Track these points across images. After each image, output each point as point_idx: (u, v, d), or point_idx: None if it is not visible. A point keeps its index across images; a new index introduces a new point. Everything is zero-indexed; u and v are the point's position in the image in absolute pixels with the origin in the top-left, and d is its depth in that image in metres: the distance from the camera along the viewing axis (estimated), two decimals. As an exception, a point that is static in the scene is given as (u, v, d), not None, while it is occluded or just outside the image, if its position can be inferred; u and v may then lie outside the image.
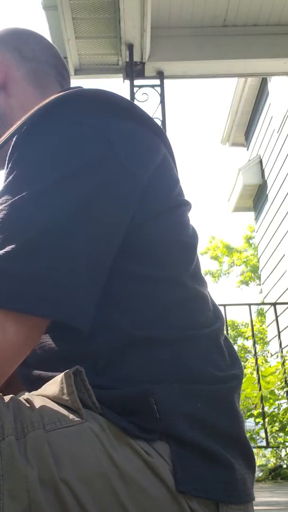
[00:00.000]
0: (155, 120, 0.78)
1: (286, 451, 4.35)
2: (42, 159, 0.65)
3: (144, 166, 0.70)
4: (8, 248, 0.58)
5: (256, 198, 7.87)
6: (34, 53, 0.91)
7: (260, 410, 4.07)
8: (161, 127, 0.77)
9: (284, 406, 4.28)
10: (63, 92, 0.71)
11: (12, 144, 0.67)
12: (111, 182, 0.66)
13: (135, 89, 3.67)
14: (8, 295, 0.57)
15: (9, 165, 0.66)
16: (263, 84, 7.16)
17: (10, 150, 0.67)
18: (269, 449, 4.54)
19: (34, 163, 0.65)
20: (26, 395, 0.65)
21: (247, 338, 13.89)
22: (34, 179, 0.63)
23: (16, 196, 0.62)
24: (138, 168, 0.69)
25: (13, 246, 0.58)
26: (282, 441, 4.25)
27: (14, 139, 0.67)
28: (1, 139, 0.75)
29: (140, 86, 3.71)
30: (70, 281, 0.60)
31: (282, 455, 4.39)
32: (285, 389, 4.20)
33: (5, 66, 0.89)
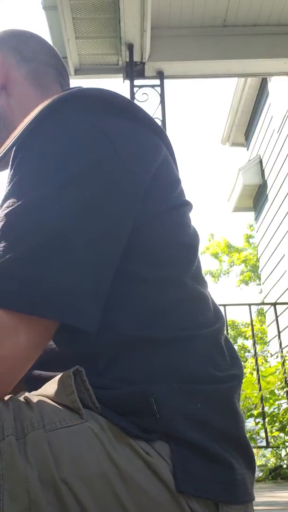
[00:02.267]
0: (155, 120, 0.78)
1: (286, 451, 4.35)
2: (45, 161, 0.65)
3: (145, 167, 0.70)
4: (16, 253, 0.58)
5: (256, 198, 7.87)
6: (34, 53, 0.92)
7: (260, 410, 4.07)
8: (161, 127, 0.77)
9: (284, 406, 4.28)
10: (64, 92, 0.71)
11: (16, 146, 0.67)
12: (114, 183, 0.66)
13: (135, 89, 3.67)
14: (19, 298, 0.57)
15: (13, 168, 0.66)
16: (263, 84, 7.16)
17: (13, 153, 0.67)
18: (269, 449, 4.54)
19: (37, 166, 0.65)
20: (26, 395, 0.65)
21: (247, 338, 13.88)
22: (38, 182, 0.63)
23: (21, 199, 0.62)
24: (140, 168, 0.69)
25: (20, 250, 0.58)
26: (282, 442, 4.25)
27: (17, 142, 0.67)
28: (6, 142, 0.75)
29: (140, 86, 3.71)
30: (77, 283, 0.60)
31: (282, 455, 4.39)
32: (285, 389, 4.20)
33: (6, 66, 0.89)
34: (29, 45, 0.92)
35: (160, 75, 3.75)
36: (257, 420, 4.20)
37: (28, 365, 0.61)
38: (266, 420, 4.06)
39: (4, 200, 0.64)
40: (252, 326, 4.43)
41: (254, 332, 4.74)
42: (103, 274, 0.63)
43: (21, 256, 0.58)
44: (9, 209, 0.62)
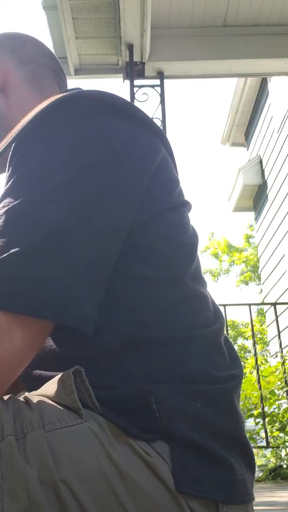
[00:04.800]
0: (155, 120, 0.78)
1: (286, 451, 4.35)
2: (43, 162, 0.65)
3: (144, 167, 0.70)
4: (11, 252, 0.58)
5: (256, 198, 7.88)
6: (32, 55, 0.92)
7: (260, 410, 4.07)
8: (161, 127, 0.77)
9: (284, 406, 4.28)
10: (62, 94, 0.71)
11: (13, 147, 0.67)
12: (112, 183, 0.66)
13: (135, 89, 3.67)
14: (14, 299, 0.57)
15: (10, 168, 0.66)
16: (263, 84, 7.16)
17: (10, 154, 0.67)
18: (269, 449, 4.54)
19: (35, 166, 0.65)
20: (26, 395, 0.65)
21: (247, 338, 13.88)
22: (35, 182, 0.63)
23: (18, 199, 0.62)
24: (139, 168, 0.69)
25: (16, 249, 0.58)
26: (282, 442, 4.25)
27: (14, 142, 0.67)
28: (3, 142, 0.75)
29: (140, 86, 3.71)
30: (74, 283, 0.60)
31: (282, 455, 4.39)
32: (285, 389, 4.20)
33: (4, 68, 0.89)
34: (26, 47, 0.93)
35: (160, 75, 3.75)
36: (257, 420, 4.21)
37: (23, 365, 0.61)
38: (266, 420, 4.06)
39: (2, 200, 0.64)
40: (252, 326, 4.43)
41: (254, 332, 4.74)
42: (100, 274, 0.63)
43: (18, 256, 0.58)
44: (6, 208, 0.62)
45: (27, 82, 0.90)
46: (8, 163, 0.67)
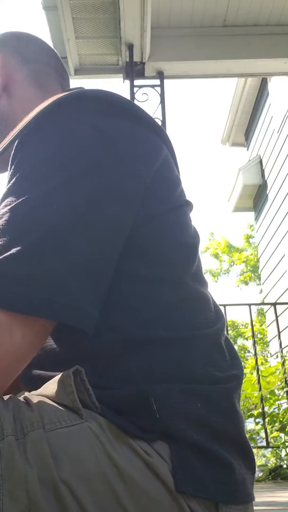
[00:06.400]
0: (155, 120, 0.78)
1: (286, 451, 4.35)
2: (45, 161, 0.65)
3: (146, 167, 0.70)
4: (12, 251, 0.58)
5: (256, 198, 7.88)
6: (35, 54, 0.92)
7: (260, 410, 4.07)
8: (162, 127, 0.77)
9: (284, 406, 4.28)
10: (65, 93, 0.71)
11: (15, 146, 0.67)
12: (114, 182, 0.66)
13: (135, 89, 3.67)
14: (14, 298, 0.57)
15: (12, 167, 0.66)
16: (263, 84, 7.16)
17: (13, 152, 0.67)
18: (269, 449, 4.54)
19: (37, 165, 0.65)
20: (26, 395, 0.65)
21: (247, 338, 13.88)
22: (37, 181, 0.63)
23: (19, 198, 0.62)
24: (141, 168, 0.69)
25: (18, 248, 0.58)
26: (282, 442, 4.25)
27: (16, 141, 0.67)
28: (4, 141, 0.75)
29: (140, 86, 3.71)
30: (75, 283, 0.60)
31: (282, 455, 4.39)
32: (285, 389, 4.20)
33: (7, 67, 0.90)
34: (29, 47, 0.93)
35: (160, 75, 3.74)
36: (257, 420, 4.21)
37: (23, 364, 0.61)
38: (266, 420, 4.06)
39: (3, 199, 0.64)
40: (252, 326, 4.43)
41: (254, 332, 4.73)
42: (101, 274, 0.63)
43: (19, 255, 0.58)
44: (8, 207, 0.62)
45: (30, 81, 0.90)
46: (10, 162, 0.67)
